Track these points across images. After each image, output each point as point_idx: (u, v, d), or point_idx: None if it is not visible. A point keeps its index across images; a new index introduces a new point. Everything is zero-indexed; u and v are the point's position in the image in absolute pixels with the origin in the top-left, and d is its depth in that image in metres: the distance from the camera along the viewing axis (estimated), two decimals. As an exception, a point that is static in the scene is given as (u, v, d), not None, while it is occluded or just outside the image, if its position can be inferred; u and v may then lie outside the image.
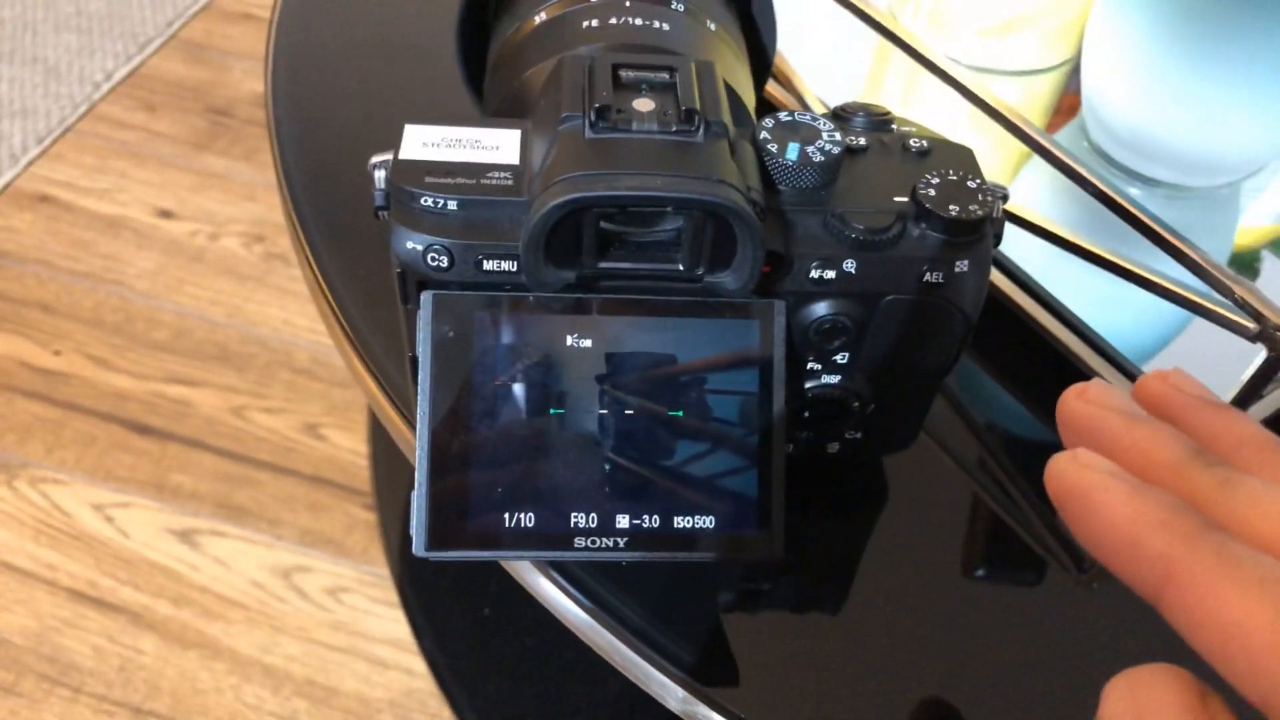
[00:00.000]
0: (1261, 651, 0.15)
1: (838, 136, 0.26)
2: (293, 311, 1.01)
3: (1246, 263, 0.41)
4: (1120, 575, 0.18)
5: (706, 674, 0.30)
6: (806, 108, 0.41)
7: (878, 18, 0.39)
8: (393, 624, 0.80)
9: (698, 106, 0.24)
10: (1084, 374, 0.35)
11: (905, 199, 0.26)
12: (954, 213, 0.25)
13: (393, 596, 0.81)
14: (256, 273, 1.04)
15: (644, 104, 0.24)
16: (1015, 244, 0.36)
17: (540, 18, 0.32)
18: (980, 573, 0.33)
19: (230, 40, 1.30)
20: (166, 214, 1.10)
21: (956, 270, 0.26)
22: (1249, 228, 0.43)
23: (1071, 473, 0.19)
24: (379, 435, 0.85)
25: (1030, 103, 0.47)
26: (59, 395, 0.93)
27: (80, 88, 1.22)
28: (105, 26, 1.31)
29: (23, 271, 1.03)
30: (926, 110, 0.46)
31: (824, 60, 0.45)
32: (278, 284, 1.04)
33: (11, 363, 0.96)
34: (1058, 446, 0.36)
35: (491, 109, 0.33)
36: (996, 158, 0.43)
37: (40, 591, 0.81)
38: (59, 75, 1.24)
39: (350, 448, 0.91)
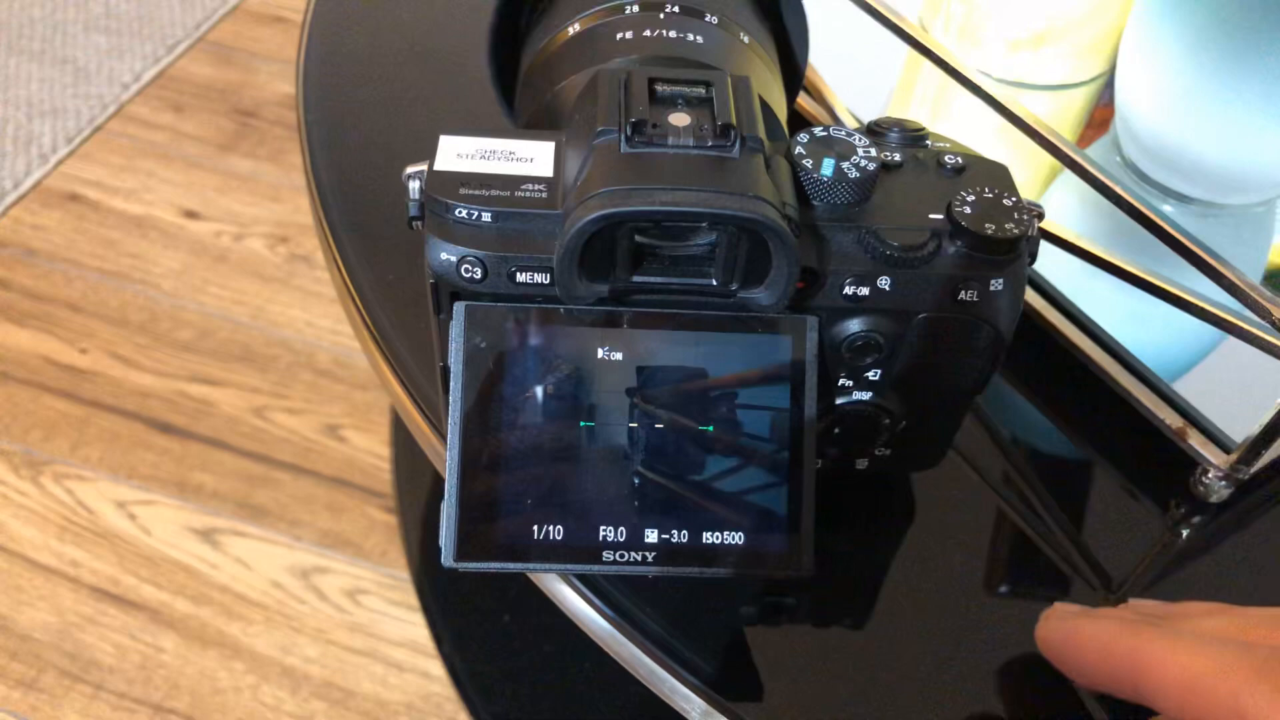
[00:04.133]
0: (1214, 694, 0.20)
1: (873, 152, 0.26)
2: (315, 313, 1.01)
3: (1280, 281, 0.41)
4: (1107, 686, 0.24)
5: (729, 687, 0.30)
6: (837, 120, 0.41)
7: (909, 30, 0.38)
8: (410, 627, 0.80)
9: (734, 121, 0.24)
10: (1115, 392, 0.35)
11: (940, 216, 0.26)
12: (990, 230, 0.25)
13: (410, 599, 0.81)
14: (280, 274, 1.05)
15: (680, 119, 0.24)
16: (1046, 259, 0.36)
17: (574, 29, 0.32)
18: (1007, 590, 0.32)
19: (258, 42, 1.31)
20: (192, 214, 1.11)
21: (991, 288, 0.26)
22: (1283, 246, 0.43)
23: (1052, 627, 0.27)
24: (400, 438, 0.86)
25: (1062, 117, 0.47)
26: (84, 393, 0.94)
27: (109, 88, 1.23)
28: (135, 28, 1.32)
29: (51, 269, 1.04)
30: (957, 123, 0.46)
31: (854, 72, 0.45)
32: (301, 285, 1.04)
33: (38, 360, 0.96)
34: (1087, 463, 0.35)
35: (524, 119, 0.33)
36: (1027, 171, 0.43)
37: (63, 588, 0.82)
38: (88, 76, 1.25)
39: (370, 449, 0.91)
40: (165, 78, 1.26)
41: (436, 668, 0.77)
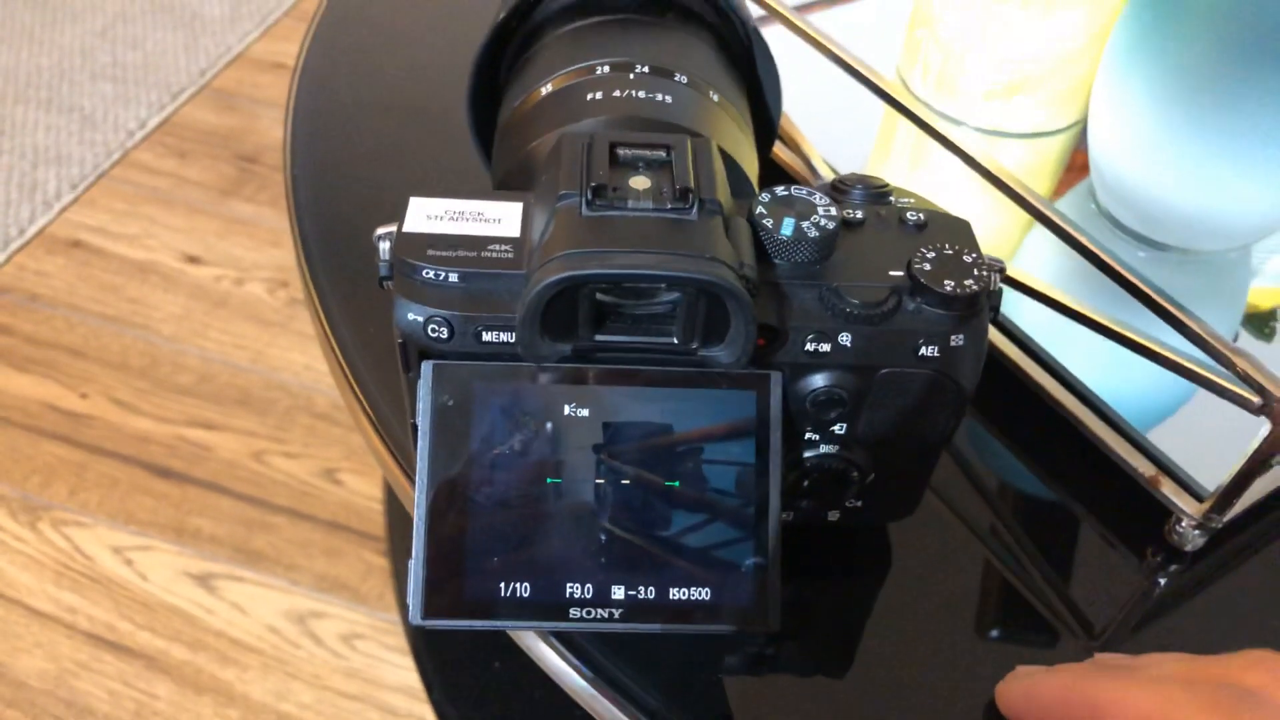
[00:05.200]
0: None
1: (833, 211, 0.26)
2: (314, 357, 1.02)
3: (1260, 325, 0.41)
4: None
5: (706, 742, 0.30)
6: (813, 170, 0.42)
7: (882, 84, 0.39)
8: (406, 672, 0.80)
9: (692, 185, 0.25)
10: (1087, 440, 0.35)
11: (901, 273, 0.26)
12: (949, 288, 0.25)
13: (406, 644, 0.81)
14: (280, 318, 1.06)
15: (640, 182, 0.25)
16: (1020, 305, 0.36)
17: (547, 89, 0.32)
18: (989, 637, 0.32)
19: (260, 89, 1.33)
20: (194, 259, 1.12)
21: (952, 344, 0.26)
22: (1264, 289, 0.43)
23: (1012, 686, 0.27)
24: (395, 482, 0.86)
25: (1039, 164, 0.47)
26: (83, 438, 0.95)
27: (115, 135, 1.25)
28: (140, 76, 1.34)
29: (53, 314, 1.05)
30: (936, 170, 0.47)
31: (834, 122, 0.46)
32: (300, 329, 1.05)
33: (38, 405, 0.97)
34: (1063, 511, 0.36)
35: (499, 176, 0.33)
36: (1004, 218, 0.43)
37: (59, 634, 0.82)
38: (94, 123, 1.27)
39: (367, 493, 0.91)
40: (170, 124, 1.28)
41: (432, 714, 0.77)
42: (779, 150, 0.43)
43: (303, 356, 1.02)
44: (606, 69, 0.32)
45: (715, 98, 0.33)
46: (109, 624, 0.83)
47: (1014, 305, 0.37)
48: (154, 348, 1.03)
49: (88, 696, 0.79)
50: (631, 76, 0.31)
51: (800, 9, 0.47)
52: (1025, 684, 0.27)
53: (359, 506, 0.90)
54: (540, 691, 0.62)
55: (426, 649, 0.70)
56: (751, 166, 0.32)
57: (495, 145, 0.35)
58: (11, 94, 1.30)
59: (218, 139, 1.26)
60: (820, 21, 0.42)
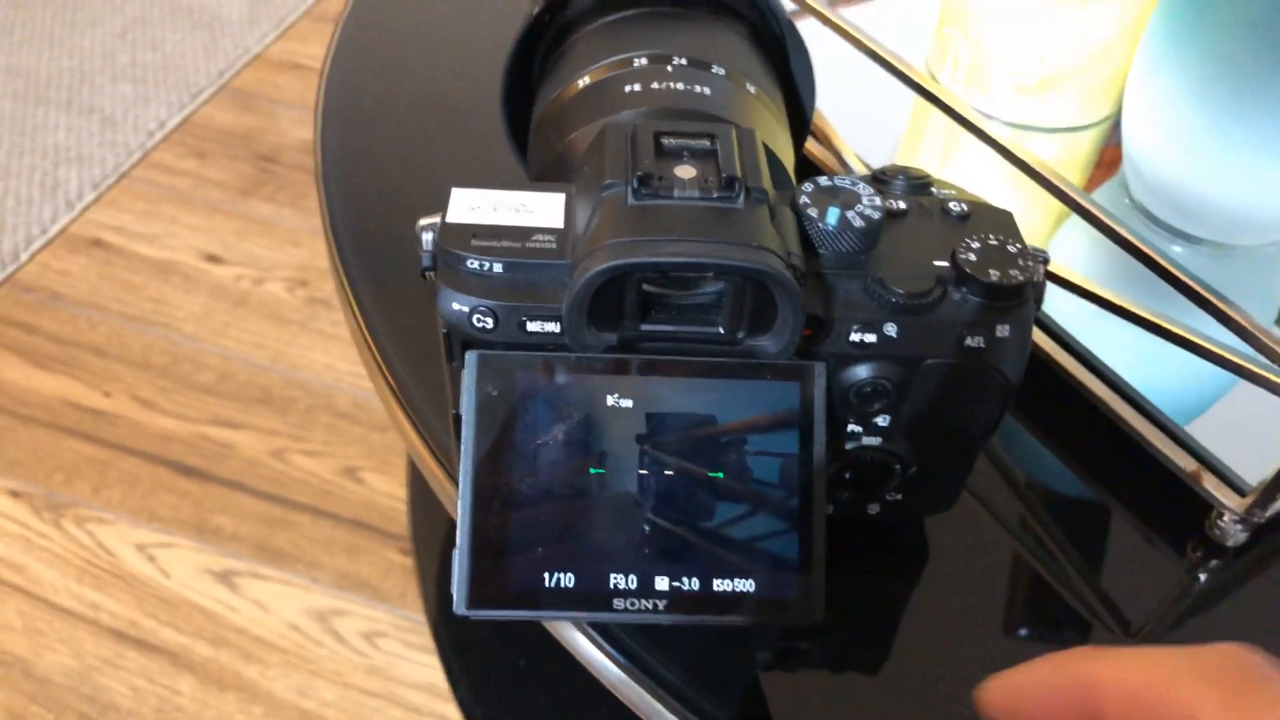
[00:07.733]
0: (1165, 703, 0.19)
1: (877, 201, 0.26)
2: (334, 355, 1.02)
3: (1295, 320, 0.41)
4: None
5: (744, 735, 0.30)
6: (845, 165, 0.42)
7: (915, 77, 0.39)
8: (428, 670, 0.80)
9: (738, 173, 0.25)
10: (1126, 435, 0.35)
11: (945, 263, 0.26)
12: (994, 277, 0.25)
13: (428, 642, 0.81)
14: (300, 317, 1.06)
15: (685, 171, 0.25)
16: (1057, 299, 0.36)
17: (584, 81, 0.32)
18: (1024, 634, 0.32)
19: (279, 89, 1.33)
20: (214, 259, 1.12)
21: (998, 334, 0.26)
22: (1297, 284, 0.42)
23: (991, 686, 0.23)
24: (417, 480, 0.86)
25: (1070, 159, 0.47)
26: (106, 436, 0.95)
27: (135, 136, 1.26)
28: (160, 77, 1.35)
29: (75, 314, 1.06)
30: (966, 166, 0.46)
31: (864, 117, 0.46)
32: (320, 328, 1.05)
33: (61, 403, 0.98)
34: (1101, 506, 0.35)
35: (536, 170, 0.33)
36: (1037, 213, 0.43)
37: (83, 631, 0.82)
38: (115, 124, 1.28)
39: (388, 491, 0.91)
40: (189, 125, 1.28)
41: (454, 712, 0.77)
42: (811, 146, 0.43)
43: (323, 355, 1.02)
44: (644, 61, 0.32)
45: (752, 89, 0.32)
46: (132, 620, 0.83)
47: (1047, 300, 0.37)
48: (175, 346, 1.03)
49: (111, 693, 0.79)
50: (669, 69, 0.31)
51: (830, 2, 0.47)
52: (1005, 678, 0.24)
53: (380, 505, 0.90)
54: (567, 689, 0.62)
55: (452, 646, 0.70)
56: (788, 159, 0.32)
57: (530, 139, 0.35)
58: (33, 95, 1.31)
59: (237, 139, 1.26)
60: (846, 17, 0.41)
